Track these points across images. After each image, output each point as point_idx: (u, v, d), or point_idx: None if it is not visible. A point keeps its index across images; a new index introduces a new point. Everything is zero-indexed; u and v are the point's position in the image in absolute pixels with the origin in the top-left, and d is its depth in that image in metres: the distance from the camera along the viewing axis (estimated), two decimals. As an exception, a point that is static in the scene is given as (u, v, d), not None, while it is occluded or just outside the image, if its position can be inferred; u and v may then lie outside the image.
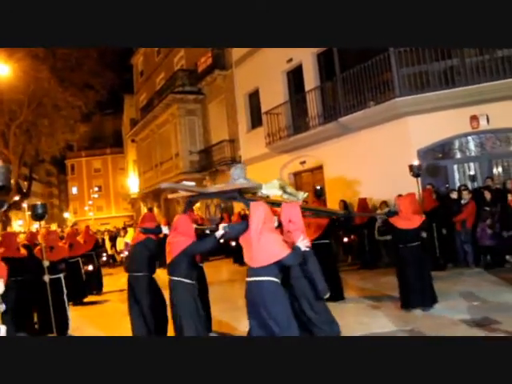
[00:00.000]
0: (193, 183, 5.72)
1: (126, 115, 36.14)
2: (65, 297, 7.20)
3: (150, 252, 5.90)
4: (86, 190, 57.92)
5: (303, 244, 4.46)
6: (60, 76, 24.65)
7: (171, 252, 5.14)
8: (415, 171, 8.51)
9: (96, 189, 57.92)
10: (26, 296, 6.81)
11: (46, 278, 6.46)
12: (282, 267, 4.34)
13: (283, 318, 4.21)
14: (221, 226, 4.99)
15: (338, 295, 7.48)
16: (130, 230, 16.96)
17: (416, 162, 8.91)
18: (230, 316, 7.14)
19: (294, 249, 4.36)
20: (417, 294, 6.52)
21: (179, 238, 5.15)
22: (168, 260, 5.23)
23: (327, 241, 7.82)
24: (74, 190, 59.87)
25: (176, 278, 5.11)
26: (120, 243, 18.06)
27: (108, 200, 58.91)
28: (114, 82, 28.14)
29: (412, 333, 5.54)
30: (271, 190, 5.25)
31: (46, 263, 6.54)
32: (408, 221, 6.60)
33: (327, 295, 5.08)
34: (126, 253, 16.25)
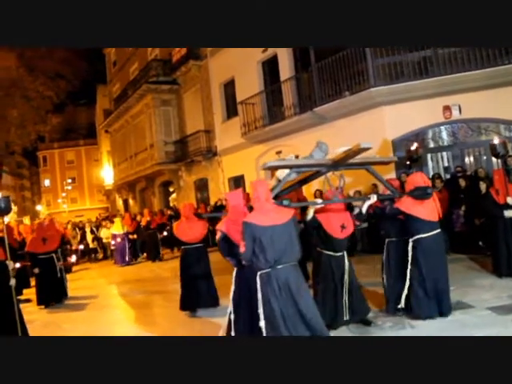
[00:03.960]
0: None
1: (100, 106, 35.45)
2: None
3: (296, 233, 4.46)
4: (59, 182, 56.76)
5: None
6: (29, 65, 23.95)
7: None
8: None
9: (69, 180, 56.80)
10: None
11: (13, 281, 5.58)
12: None
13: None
14: (364, 206, 5.44)
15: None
16: (117, 221, 16.02)
17: (496, 140, 7.05)
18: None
19: None
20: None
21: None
22: None
23: (201, 244, 7.52)
24: (47, 183, 58.57)
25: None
26: (105, 234, 17.16)
27: (82, 192, 57.93)
28: (86, 72, 27.57)
29: (395, 319, 5.61)
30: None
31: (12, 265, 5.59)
32: None
33: None
34: (113, 242, 15.69)
